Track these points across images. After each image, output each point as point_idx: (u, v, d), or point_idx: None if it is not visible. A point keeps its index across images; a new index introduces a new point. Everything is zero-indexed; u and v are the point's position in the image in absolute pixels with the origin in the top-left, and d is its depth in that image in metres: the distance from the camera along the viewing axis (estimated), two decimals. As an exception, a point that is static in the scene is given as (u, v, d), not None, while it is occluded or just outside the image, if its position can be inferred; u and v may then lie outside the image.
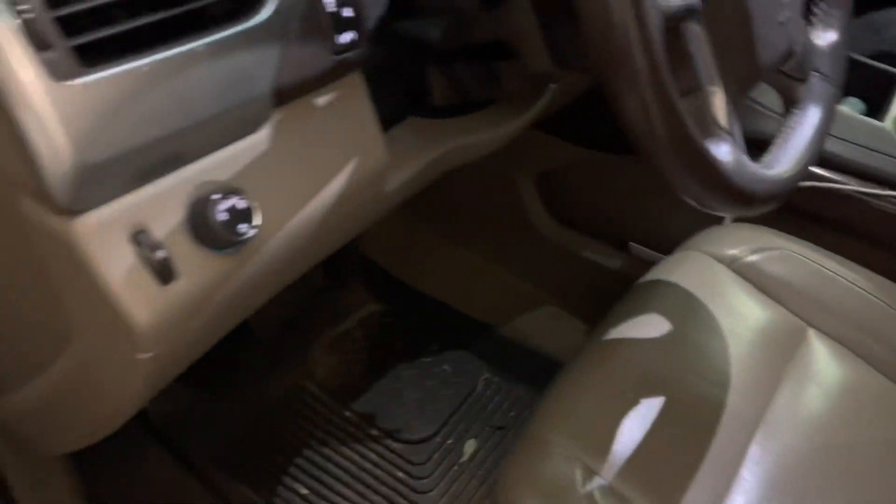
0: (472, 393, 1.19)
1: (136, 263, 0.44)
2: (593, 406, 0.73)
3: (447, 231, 1.28)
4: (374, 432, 1.13)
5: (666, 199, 1.07)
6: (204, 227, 0.47)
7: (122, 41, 0.44)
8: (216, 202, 0.46)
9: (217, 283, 0.49)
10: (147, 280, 0.45)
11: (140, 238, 0.44)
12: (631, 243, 1.10)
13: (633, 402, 0.73)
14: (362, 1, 0.56)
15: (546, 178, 1.16)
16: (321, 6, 0.52)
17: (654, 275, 0.88)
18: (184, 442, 1.05)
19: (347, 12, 0.54)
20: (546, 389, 0.77)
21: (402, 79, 0.71)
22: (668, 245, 1.03)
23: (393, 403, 1.17)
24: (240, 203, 0.47)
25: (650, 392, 0.74)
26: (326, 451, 1.10)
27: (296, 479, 1.07)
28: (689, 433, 0.71)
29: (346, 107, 0.58)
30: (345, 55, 0.55)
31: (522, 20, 0.61)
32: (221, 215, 0.46)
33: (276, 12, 0.50)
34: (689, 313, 0.82)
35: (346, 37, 0.54)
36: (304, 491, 1.06)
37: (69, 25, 0.41)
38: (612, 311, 0.84)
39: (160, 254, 0.44)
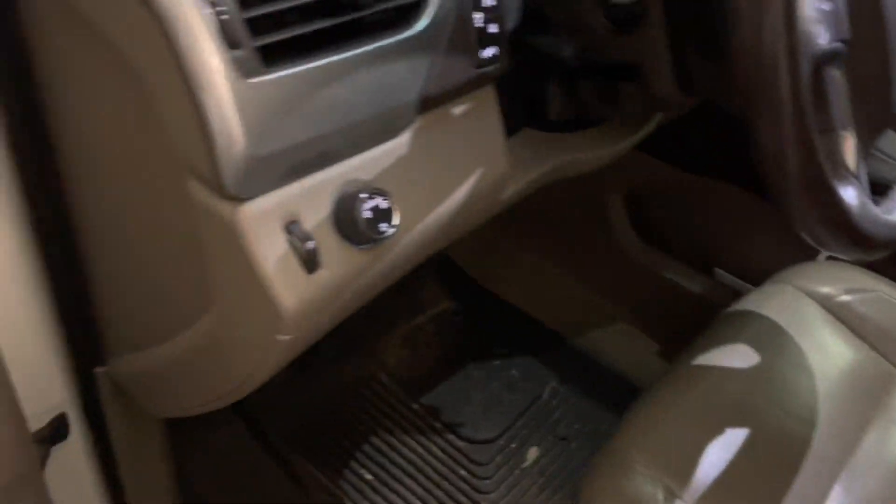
0: (538, 400, 1.21)
1: (288, 252, 0.47)
2: (678, 429, 0.74)
3: (529, 238, 1.29)
4: (440, 427, 1.15)
5: (758, 229, 1.07)
6: (348, 223, 0.49)
7: (292, 44, 0.47)
8: (363, 201, 0.49)
9: (353, 275, 0.51)
10: (296, 268, 0.47)
11: (292, 228, 0.47)
12: (716, 269, 1.09)
13: (717, 430, 0.74)
14: (505, 17, 0.58)
15: (635, 195, 1.16)
16: (470, 21, 0.55)
17: (744, 305, 0.88)
18: (260, 416, 1.09)
19: (493, 28, 0.56)
20: (631, 406, 0.78)
21: (522, 91, 0.73)
22: (754, 275, 1.03)
23: (460, 401, 1.19)
24: (383, 203, 0.50)
25: (735, 422, 0.75)
26: (392, 440, 1.13)
27: (362, 465, 1.10)
28: (773, 467, 0.72)
29: (478, 117, 0.60)
30: (486, 69, 0.57)
31: (654, 45, 0.63)
32: (366, 213, 0.49)
33: (431, 25, 0.53)
34: (779, 347, 0.82)
35: (489, 51, 0.57)
36: (369, 477, 1.09)
37: (253, 27, 0.44)
38: (700, 337, 0.84)
39: (310, 244, 0.47)
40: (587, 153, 0.76)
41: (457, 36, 0.54)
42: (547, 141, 0.74)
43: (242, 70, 0.43)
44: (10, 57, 0.51)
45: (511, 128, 0.72)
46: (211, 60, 0.42)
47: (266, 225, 0.46)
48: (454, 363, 1.24)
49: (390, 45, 0.50)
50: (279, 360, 0.53)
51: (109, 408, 0.75)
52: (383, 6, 0.51)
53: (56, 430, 0.75)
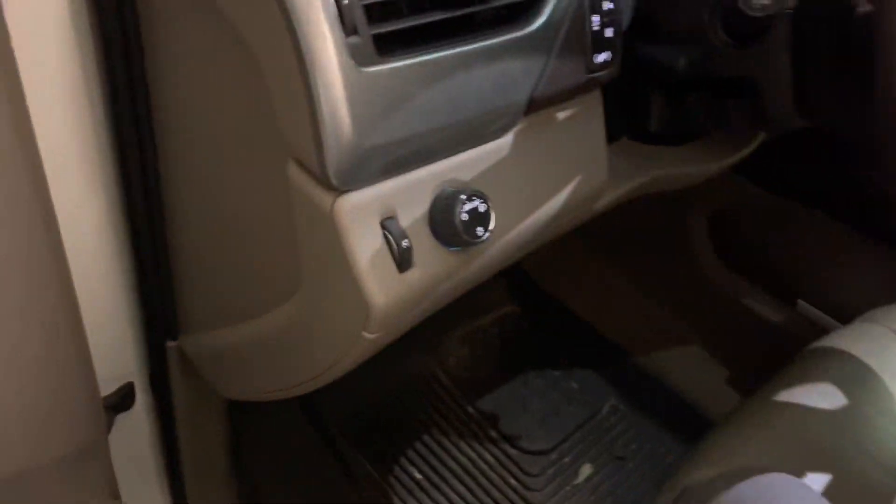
0: (596, 416, 1.17)
1: (383, 248, 0.46)
2: (755, 465, 0.70)
3: (601, 248, 1.25)
4: (493, 434, 1.13)
5: (849, 263, 1.01)
6: (444, 224, 0.47)
7: (403, 36, 0.45)
8: (462, 202, 0.47)
9: (442, 277, 0.50)
10: (389, 266, 0.46)
11: (388, 224, 0.46)
12: (800, 301, 1.04)
13: (797, 472, 0.70)
14: (621, 22, 0.55)
15: (719, 215, 1.12)
16: (588, 24, 0.52)
17: (831, 342, 0.83)
18: (317, 403, 1.09)
19: (609, 33, 0.54)
20: (702, 436, 0.74)
21: (623, 99, 0.70)
22: (841, 311, 0.97)
23: (516, 409, 1.17)
24: (481, 206, 0.48)
25: (818, 465, 0.71)
26: (445, 441, 1.11)
27: (412, 463, 1.08)
28: (856, 519, 0.68)
29: (582, 123, 0.58)
30: (597, 74, 0.54)
31: (775, 63, 0.59)
32: (464, 215, 0.47)
33: (546, 24, 0.50)
34: (868, 391, 0.78)
35: (603, 56, 0.54)
36: (418, 476, 1.07)
37: (369, 15, 0.43)
38: (782, 372, 0.80)
39: (405, 242, 0.46)
40: (685, 169, 0.73)
41: (572, 38, 0.52)
42: (645, 153, 0.71)
43: (357, 58, 0.42)
44: (118, 27, 0.51)
45: (609, 136, 0.70)
46: (327, 44, 0.41)
47: (364, 219, 0.45)
48: (514, 368, 1.22)
49: (504, 42, 0.48)
50: (361, 355, 0.52)
51: (176, 382, 0.75)
52: (501, 2, 0.48)
53: (122, 399, 0.75)
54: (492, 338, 1.25)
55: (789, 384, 0.77)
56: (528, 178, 0.54)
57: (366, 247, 0.45)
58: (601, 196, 0.63)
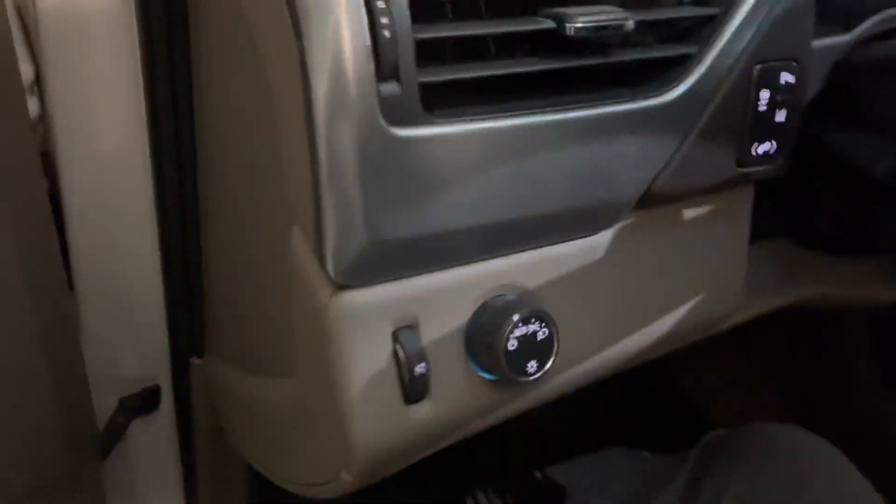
0: (684, 519, 1.00)
1: (389, 369, 0.33)
2: None
3: (731, 333, 1.06)
4: (559, 512, 0.99)
5: None
6: (483, 347, 0.34)
7: (470, 86, 0.32)
8: (514, 325, 0.33)
9: (465, 414, 0.37)
10: (392, 397, 0.33)
11: (403, 337, 0.33)
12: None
13: None
14: (801, 103, 0.39)
15: (885, 323, 0.91)
16: (751, 101, 0.37)
17: None
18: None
19: (780, 116, 0.38)
20: None
21: (783, 186, 0.53)
22: None
23: (591, 487, 1.02)
24: (541, 334, 0.34)
25: None
26: (501, 505, 0.99)
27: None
28: None
29: (718, 226, 0.42)
30: (751, 169, 0.39)
31: None
32: (511, 343, 0.34)
33: (690, 95, 0.35)
34: None
35: (764, 147, 0.38)
36: (464, 538, 0.96)
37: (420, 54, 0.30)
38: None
39: (420, 368, 0.33)
40: (857, 292, 0.54)
41: (723, 116, 0.37)
42: (806, 261, 0.54)
43: (391, 114, 0.29)
44: (164, 40, 0.41)
45: (757, 232, 0.53)
46: (348, 89, 0.28)
47: (369, 325, 0.33)
48: (598, 440, 1.06)
49: (623, 113, 0.34)
50: (342, 492, 0.39)
51: (197, 399, 0.68)
52: (628, 57, 0.34)
53: (145, 401, 0.70)
54: (580, 399, 1.10)
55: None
56: (621, 292, 0.39)
57: (364, 364, 0.33)
58: (729, 318, 0.47)
